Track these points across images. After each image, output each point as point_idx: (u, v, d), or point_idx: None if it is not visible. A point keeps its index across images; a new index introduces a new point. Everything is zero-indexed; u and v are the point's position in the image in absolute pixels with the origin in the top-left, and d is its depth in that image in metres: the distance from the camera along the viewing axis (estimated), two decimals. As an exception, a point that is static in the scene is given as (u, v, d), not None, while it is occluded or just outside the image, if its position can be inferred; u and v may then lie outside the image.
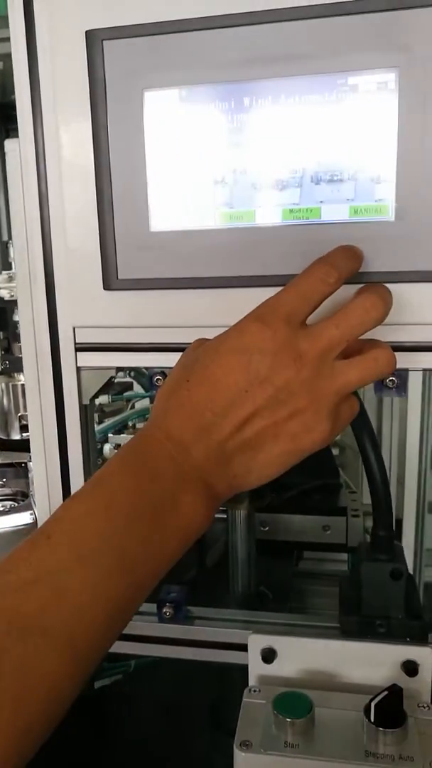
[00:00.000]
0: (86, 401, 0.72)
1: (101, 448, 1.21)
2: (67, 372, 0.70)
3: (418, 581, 1.26)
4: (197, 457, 0.52)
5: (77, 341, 0.69)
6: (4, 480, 1.38)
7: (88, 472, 0.73)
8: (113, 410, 1.35)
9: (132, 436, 1.17)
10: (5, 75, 0.64)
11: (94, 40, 0.61)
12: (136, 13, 0.60)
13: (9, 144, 0.67)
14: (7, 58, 0.66)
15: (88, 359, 0.70)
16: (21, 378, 1.43)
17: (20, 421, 1.48)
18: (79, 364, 0.70)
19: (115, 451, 1.18)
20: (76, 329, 0.69)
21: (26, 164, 0.67)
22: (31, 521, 1.08)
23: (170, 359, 0.67)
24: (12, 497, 1.37)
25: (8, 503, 1.33)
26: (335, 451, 1.28)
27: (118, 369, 0.71)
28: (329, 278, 0.53)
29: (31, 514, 1.09)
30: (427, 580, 1.29)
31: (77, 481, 0.72)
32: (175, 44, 0.60)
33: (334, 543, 1.02)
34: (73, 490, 0.73)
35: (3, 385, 1.59)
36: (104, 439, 1.21)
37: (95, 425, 1.23)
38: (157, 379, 0.69)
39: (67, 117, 0.64)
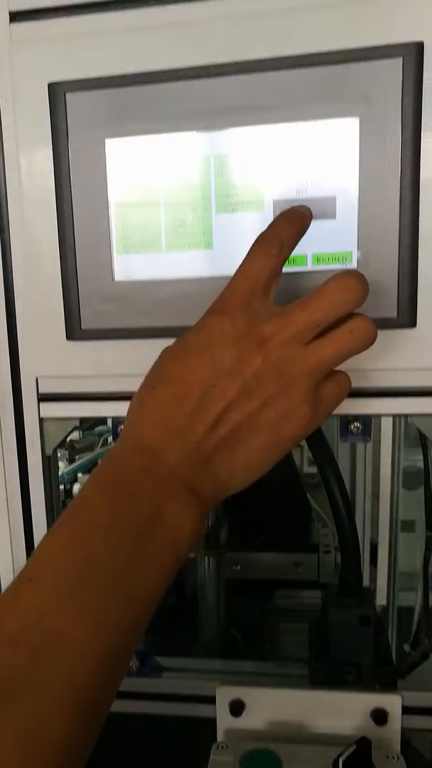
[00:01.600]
0: (49, 452, 0.71)
1: (70, 489, 1.20)
2: (29, 422, 0.70)
3: (392, 606, 1.27)
4: (174, 464, 0.50)
5: (40, 391, 0.69)
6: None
7: (51, 524, 0.72)
8: (84, 446, 1.35)
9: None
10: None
11: (56, 92, 0.62)
12: (97, 65, 0.61)
13: (-30, 190, 0.67)
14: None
15: (51, 409, 0.70)
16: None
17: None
18: (42, 415, 0.70)
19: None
20: (38, 379, 0.69)
21: (-13, 211, 0.67)
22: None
23: (135, 408, 0.68)
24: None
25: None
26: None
27: (82, 419, 0.70)
28: (271, 250, 0.51)
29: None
30: (401, 604, 1.30)
31: (41, 536, 0.71)
32: (136, 95, 0.61)
33: (306, 580, 1.02)
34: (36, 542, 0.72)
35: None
36: (74, 479, 1.20)
37: (66, 462, 1.22)
38: (121, 429, 0.69)
39: (29, 164, 0.65)
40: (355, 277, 0.51)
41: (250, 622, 0.94)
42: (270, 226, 0.55)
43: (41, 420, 0.70)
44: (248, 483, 0.53)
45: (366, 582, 0.80)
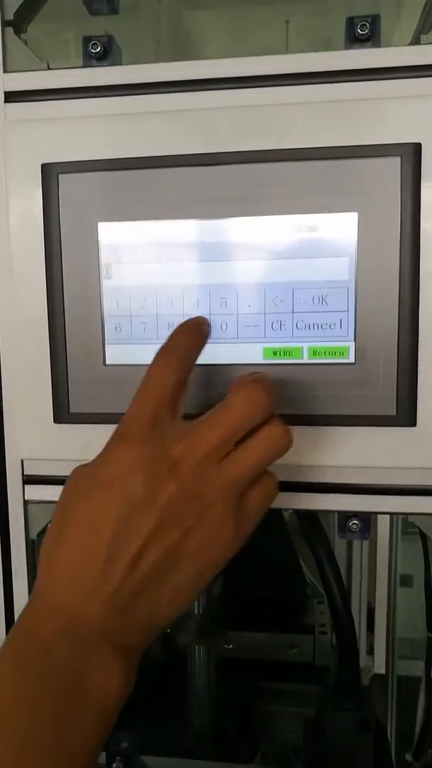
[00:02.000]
0: (34, 536, 0.69)
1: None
2: (13, 505, 0.68)
3: (392, 675, 1.23)
4: (94, 619, 0.46)
5: (25, 473, 0.67)
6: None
7: (34, 613, 0.69)
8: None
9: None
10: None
11: (50, 173, 0.61)
12: (92, 148, 0.60)
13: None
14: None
15: (36, 492, 0.68)
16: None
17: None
18: (26, 498, 0.68)
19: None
20: (24, 461, 0.67)
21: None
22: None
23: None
24: None
25: None
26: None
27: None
28: (172, 365, 0.50)
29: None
30: (401, 673, 1.26)
31: (22, 622, 0.69)
32: (131, 180, 0.60)
33: (300, 662, 0.99)
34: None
35: None
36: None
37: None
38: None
39: (19, 245, 0.63)
40: (258, 387, 0.49)
41: (242, 707, 0.91)
42: (168, 339, 0.53)
43: (26, 503, 0.68)
44: (178, 614, 0.49)
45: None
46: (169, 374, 0.50)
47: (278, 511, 1.20)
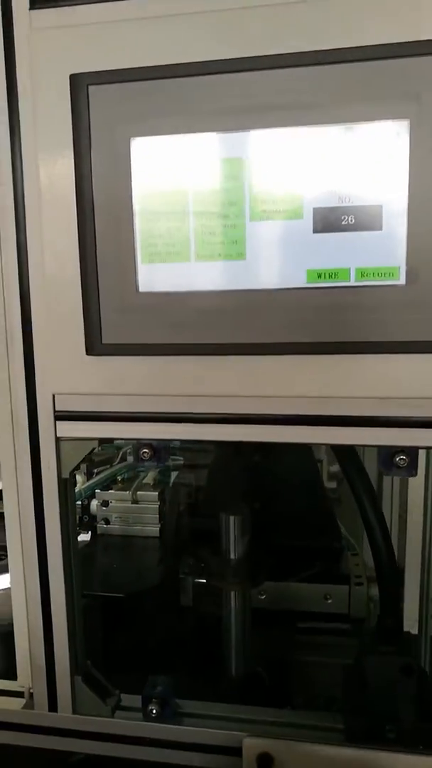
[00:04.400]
0: (66, 475, 0.69)
1: (88, 505, 1.18)
2: (45, 442, 0.68)
3: (425, 635, 1.23)
4: None
5: (57, 409, 0.67)
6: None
7: (67, 554, 0.70)
8: (103, 459, 1.33)
9: (121, 492, 1.15)
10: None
11: (79, 84, 0.60)
12: (123, 57, 0.59)
13: (-15, 192, 0.65)
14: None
15: (68, 429, 0.68)
16: None
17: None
18: (58, 434, 0.68)
19: (104, 508, 1.16)
20: (55, 396, 0.67)
21: (4, 214, 0.65)
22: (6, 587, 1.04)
23: (158, 430, 0.66)
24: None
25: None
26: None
27: (101, 441, 0.68)
28: None
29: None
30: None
31: (56, 563, 0.70)
32: (165, 90, 0.58)
33: (336, 613, 0.99)
34: (51, 575, 0.70)
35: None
36: (91, 495, 1.18)
37: (84, 477, 1.21)
38: (144, 452, 0.67)
39: (48, 164, 0.62)
40: None
41: (278, 657, 0.91)
42: None
43: (58, 440, 0.68)
44: None
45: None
46: None
47: (314, 463, 1.20)
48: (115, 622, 0.91)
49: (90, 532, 1.16)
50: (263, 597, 0.99)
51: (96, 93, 0.60)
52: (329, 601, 1.00)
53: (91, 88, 0.60)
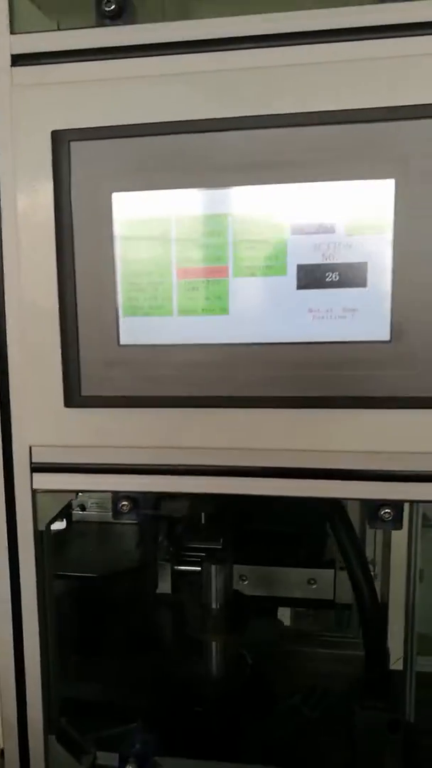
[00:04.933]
0: (42, 527, 0.69)
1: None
2: (21, 494, 0.68)
3: (410, 671, 1.24)
4: None
5: (33, 461, 0.67)
6: None
7: (42, 608, 0.69)
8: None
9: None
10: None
11: (60, 140, 0.60)
12: (105, 114, 0.60)
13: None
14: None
15: (45, 481, 0.67)
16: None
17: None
18: (34, 486, 0.67)
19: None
20: (32, 448, 0.67)
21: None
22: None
23: (138, 482, 0.66)
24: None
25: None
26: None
27: (78, 492, 0.68)
28: None
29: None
30: (420, 669, 1.26)
31: (30, 618, 0.69)
32: (148, 147, 0.59)
33: (320, 599, 0.98)
34: (25, 629, 0.69)
35: None
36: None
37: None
38: (123, 505, 0.66)
39: (29, 219, 0.63)
40: None
41: (262, 643, 0.91)
42: None
43: (34, 492, 0.68)
44: None
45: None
46: None
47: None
48: (90, 606, 0.90)
49: (65, 520, 1.13)
50: (246, 582, 0.98)
51: (78, 149, 0.60)
52: (314, 586, 0.98)
53: (73, 144, 0.60)
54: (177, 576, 1.04)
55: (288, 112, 0.57)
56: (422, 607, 1.24)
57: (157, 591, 1.04)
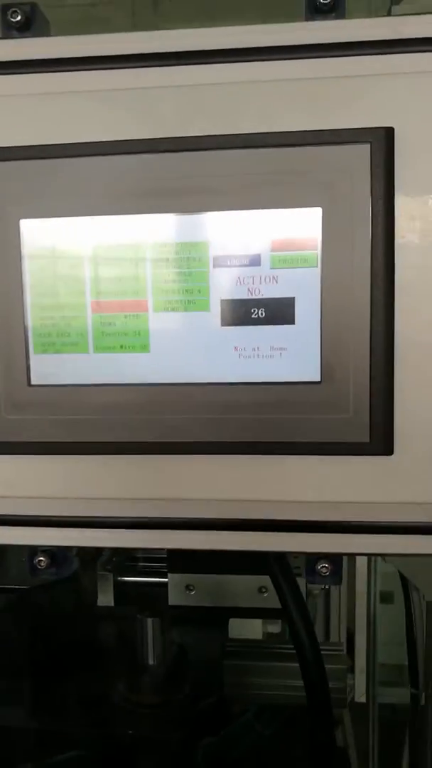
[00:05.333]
0: None
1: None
2: None
3: (372, 703, 1.21)
4: None
5: None
6: None
7: None
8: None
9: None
10: None
11: (-39, 161, 0.55)
12: (13, 133, 0.55)
13: None
14: None
15: None
16: None
17: None
18: None
19: None
20: None
21: None
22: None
23: (52, 535, 0.60)
24: None
25: None
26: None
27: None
28: None
29: None
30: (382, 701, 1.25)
31: None
32: (58, 170, 0.55)
33: (271, 608, 0.93)
34: None
35: None
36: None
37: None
38: (40, 561, 0.61)
39: None
40: None
41: (208, 659, 0.86)
42: None
43: None
44: None
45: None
46: None
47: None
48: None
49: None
50: (192, 592, 0.93)
51: (-19, 171, 0.56)
52: (265, 595, 0.93)
53: (-23, 166, 0.56)
54: (120, 587, 0.98)
55: (210, 134, 0.52)
56: (391, 629, 1.22)
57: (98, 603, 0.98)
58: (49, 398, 0.57)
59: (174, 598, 0.90)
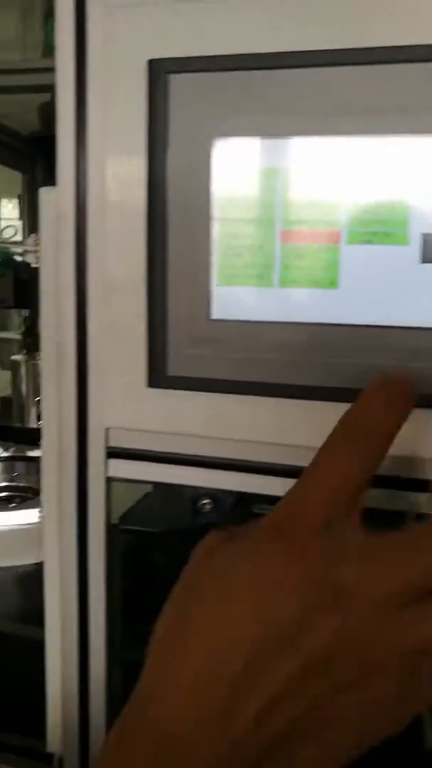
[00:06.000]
0: (115, 520, 0.62)
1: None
2: (94, 482, 0.61)
3: None
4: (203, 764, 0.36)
5: (110, 445, 0.60)
6: (16, 474, 1.36)
7: (111, 612, 0.63)
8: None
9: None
10: (52, 110, 0.56)
11: (157, 71, 0.53)
12: (210, 42, 0.51)
13: (45, 193, 0.59)
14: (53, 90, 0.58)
15: (121, 468, 0.61)
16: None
17: (39, 407, 1.46)
18: (109, 474, 0.61)
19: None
20: (109, 431, 0.60)
21: (64, 220, 0.58)
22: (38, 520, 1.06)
23: (223, 479, 0.58)
24: (23, 493, 1.38)
25: (18, 498, 1.36)
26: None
27: (156, 485, 0.61)
28: (361, 450, 0.40)
29: (39, 511, 1.02)
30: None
31: (98, 621, 0.63)
32: (261, 83, 0.51)
33: None
34: (92, 634, 0.63)
35: (24, 368, 1.57)
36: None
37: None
38: (204, 504, 0.59)
39: (117, 164, 0.55)
40: None
41: None
42: (359, 411, 0.42)
43: (108, 480, 0.61)
44: None
45: None
46: (353, 462, 0.40)
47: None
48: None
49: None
50: None
51: (177, 82, 0.53)
52: None
53: (172, 78, 0.53)
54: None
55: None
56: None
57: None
58: (228, 333, 0.54)
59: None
